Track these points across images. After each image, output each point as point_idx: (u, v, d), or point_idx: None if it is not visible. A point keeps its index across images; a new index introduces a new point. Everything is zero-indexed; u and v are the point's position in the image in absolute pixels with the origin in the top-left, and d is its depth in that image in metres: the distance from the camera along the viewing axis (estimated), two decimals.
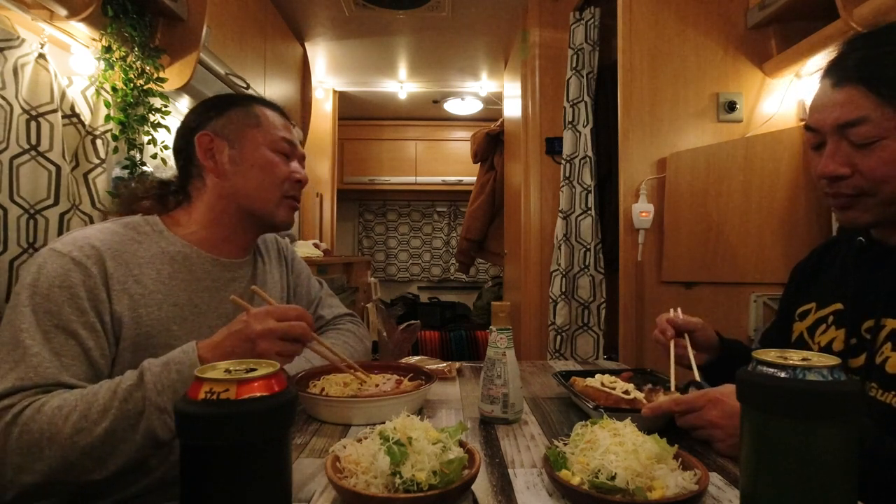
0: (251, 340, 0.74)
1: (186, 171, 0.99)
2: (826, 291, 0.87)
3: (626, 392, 0.85)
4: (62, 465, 0.68)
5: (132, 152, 1.64)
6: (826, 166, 0.77)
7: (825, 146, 0.77)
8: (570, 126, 2.17)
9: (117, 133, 1.58)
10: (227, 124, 0.96)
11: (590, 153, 2.08)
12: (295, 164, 1.01)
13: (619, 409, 0.80)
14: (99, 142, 1.50)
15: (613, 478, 0.56)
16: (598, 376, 0.92)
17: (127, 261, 0.85)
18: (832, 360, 0.45)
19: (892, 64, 0.72)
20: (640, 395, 0.84)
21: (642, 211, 1.67)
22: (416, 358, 1.23)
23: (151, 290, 0.86)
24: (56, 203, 1.33)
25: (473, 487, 0.61)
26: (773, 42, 1.69)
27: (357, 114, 4.61)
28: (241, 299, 0.81)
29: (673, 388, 0.86)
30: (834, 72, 0.76)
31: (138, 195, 0.97)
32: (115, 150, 1.61)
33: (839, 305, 0.83)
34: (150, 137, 1.72)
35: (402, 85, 3.98)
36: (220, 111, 0.97)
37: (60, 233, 1.35)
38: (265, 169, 0.96)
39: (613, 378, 0.91)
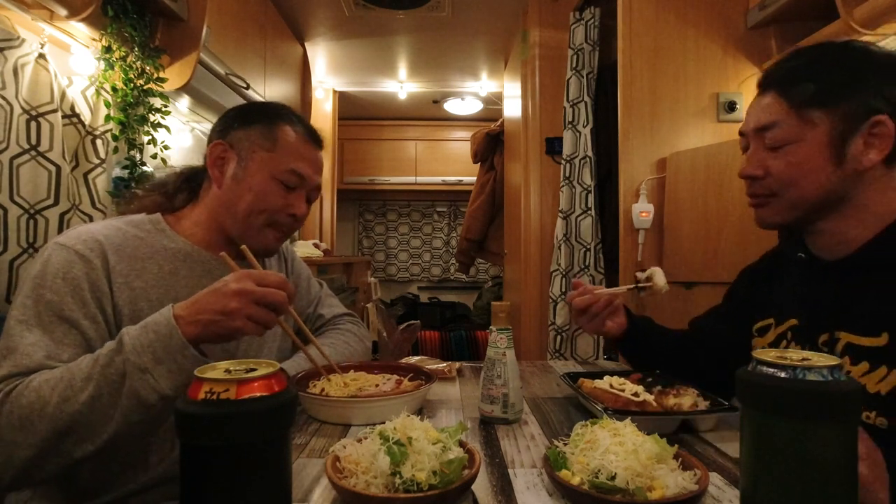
0: (225, 297, 0.73)
1: (204, 170, 0.98)
2: (782, 307, 0.89)
3: (636, 394, 0.84)
4: (54, 436, 0.68)
5: (132, 152, 1.64)
6: (744, 167, 0.85)
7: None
8: (570, 126, 2.17)
9: (117, 133, 1.58)
10: (244, 139, 0.94)
11: (590, 153, 2.08)
12: (297, 197, 0.97)
13: (628, 412, 0.78)
14: (99, 142, 1.51)
15: (613, 478, 0.56)
16: (606, 378, 0.91)
17: (129, 255, 0.86)
18: (832, 360, 0.45)
19: (804, 76, 0.78)
20: (650, 398, 0.84)
21: (642, 211, 1.67)
22: (416, 358, 1.23)
23: (152, 284, 0.86)
24: (56, 203, 1.33)
25: (473, 487, 0.61)
26: (773, 42, 1.69)
27: (357, 114, 4.61)
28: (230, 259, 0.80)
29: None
30: (762, 79, 0.83)
31: (159, 187, 0.99)
32: (115, 150, 1.61)
33: (794, 321, 0.85)
34: (150, 137, 1.72)
35: (402, 85, 3.98)
36: (244, 124, 0.95)
37: (60, 233, 1.35)
38: (259, 196, 0.93)
39: (622, 380, 0.89)
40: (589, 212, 2.09)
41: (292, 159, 0.95)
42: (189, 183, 1.01)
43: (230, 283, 0.74)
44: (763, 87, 0.82)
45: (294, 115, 1.00)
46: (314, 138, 1.00)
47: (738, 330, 0.97)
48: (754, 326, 0.93)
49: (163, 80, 1.69)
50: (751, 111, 0.84)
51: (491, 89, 4.03)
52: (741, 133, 0.87)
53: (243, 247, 0.85)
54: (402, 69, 3.75)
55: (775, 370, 0.45)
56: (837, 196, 0.77)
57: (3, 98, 1.23)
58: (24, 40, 1.28)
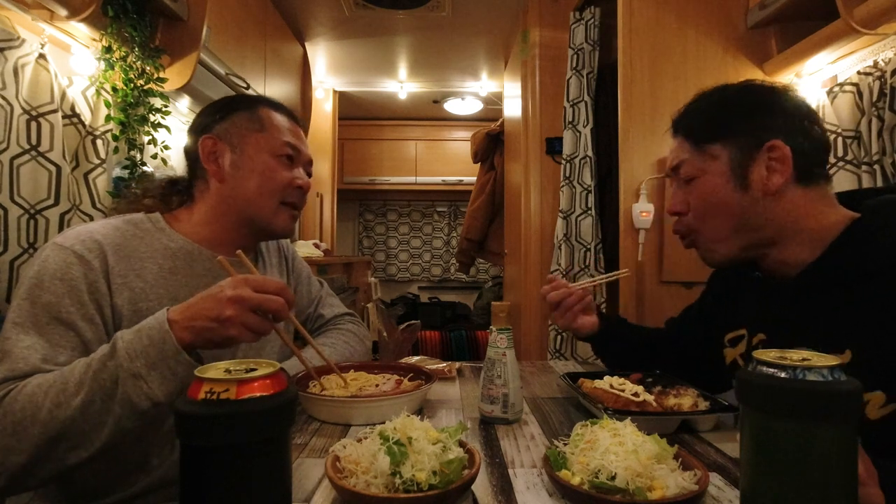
0: (221, 304, 0.71)
1: (193, 171, 0.99)
2: (752, 319, 0.90)
3: (636, 394, 0.84)
4: (47, 442, 0.68)
5: (132, 152, 1.64)
6: (669, 204, 0.92)
7: None
8: (570, 126, 2.17)
9: (117, 133, 1.58)
10: (231, 128, 0.96)
11: (590, 153, 2.08)
12: (298, 171, 1.00)
13: (628, 412, 0.78)
14: (99, 142, 1.50)
15: (613, 478, 0.56)
16: (606, 378, 0.91)
17: (128, 255, 0.85)
18: (832, 360, 0.45)
19: (700, 118, 0.86)
20: (650, 398, 0.84)
21: (642, 211, 1.67)
22: (416, 358, 1.23)
23: (152, 284, 0.86)
24: (56, 203, 1.33)
25: (473, 487, 0.61)
26: (773, 42, 1.69)
27: (357, 114, 4.61)
28: (228, 264, 0.78)
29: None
30: (672, 126, 0.91)
31: (143, 194, 0.98)
32: (116, 150, 1.61)
33: (763, 336, 0.87)
34: (150, 137, 1.72)
35: (402, 85, 3.98)
36: (226, 114, 0.97)
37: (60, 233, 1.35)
38: (265, 175, 0.95)
39: (622, 380, 0.90)
40: (589, 212, 2.09)
41: (283, 135, 0.98)
42: (175, 186, 1.01)
43: (226, 288, 0.72)
44: (673, 132, 0.90)
45: (268, 98, 1.04)
46: (293, 116, 1.03)
47: (709, 336, 0.99)
48: (726, 336, 0.95)
49: (163, 80, 1.69)
50: (668, 155, 0.92)
51: (491, 89, 4.03)
52: (665, 177, 0.92)
53: (239, 251, 0.83)
54: (402, 69, 3.75)
55: (775, 370, 0.45)
56: (756, 223, 0.81)
57: (4, 98, 1.23)
58: (24, 40, 1.28)
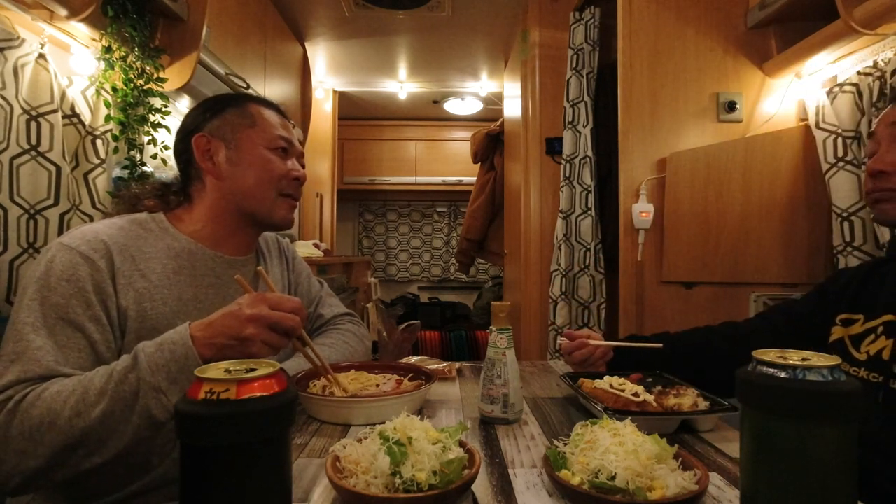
0: (241, 323, 0.74)
1: (186, 172, 1.00)
2: (876, 304, 0.91)
3: (636, 394, 0.84)
4: (63, 448, 0.68)
5: (132, 152, 1.64)
6: (875, 163, 0.90)
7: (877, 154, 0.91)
8: (570, 126, 2.17)
9: (117, 133, 1.58)
10: (224, 125, 0.97)
11: (590, 153, 2.08)
12: (292, 162, 1.01)
13: (628, 412, 0.78)
14: (99, 142, 1.50)
15: (613, 478, 0.56)
16: (606, 378, 0.91)
17: (133, 255, 0.86)
18: (832, 360, 0.45)
19: None
20: (650, 398, 0.84)
21: (642, 211, 1.67)
22: (416, 358, 1.23)
23: (157, 284, 0.86)
24: (56, 203, 1.33)
25: (473, 487, 0.61)
26: (773, 42, 1.69)
27: (357, 114, 4.61)
28: (245, 281, 0.81)
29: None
30: None
31: (140, 196, 0.98)
32: (115, 150, 1.60)
33: (890, 317, 0.88)
34: (150, 137, 1.71)
35: (402, 85, 3.98)
36: (216, 112, 0.98)
37: (61, 233, 1.35)
38: (262, 167, 0.96)
39: (622, 380, 0.89)
40: (589, 212, 2.09)
41: (275, 128, 0.99)
42: (168, 189, 1.01)
43: (245, 307, 0.75)
44: None
45: (255, 95, 1.06)
46: (280, 111, 1.05)
47: (818, 318, 1.01)
48: (838, 317, 0.96)
49: (163, 80, 1.69)
50: (885, 115, 0.91)
51: (491, 89, 4.03)
52: (871, 135, 0.92)
53: (259, 268, 0.86)
54: (402, 69, 3.75)
55: (775, 370, 0.45)
56: None
57: (3, 98, 1.23)
58: (24, 40, 1.28)
